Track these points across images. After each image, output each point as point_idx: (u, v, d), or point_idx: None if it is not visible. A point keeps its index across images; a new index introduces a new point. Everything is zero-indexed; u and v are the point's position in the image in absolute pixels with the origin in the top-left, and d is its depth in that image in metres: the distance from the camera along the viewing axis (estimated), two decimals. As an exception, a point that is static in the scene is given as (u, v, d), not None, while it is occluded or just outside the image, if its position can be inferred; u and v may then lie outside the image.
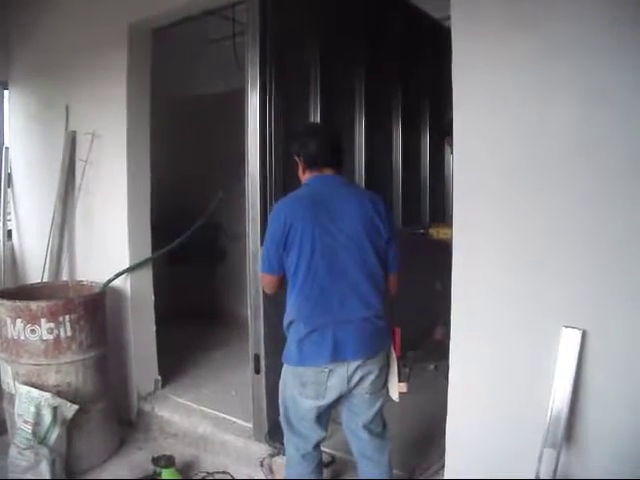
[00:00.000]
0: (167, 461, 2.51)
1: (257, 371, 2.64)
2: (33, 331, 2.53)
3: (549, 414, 1.70)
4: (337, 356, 1.82)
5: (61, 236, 3.40)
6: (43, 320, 2.53)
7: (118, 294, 3.10)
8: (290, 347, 1.89)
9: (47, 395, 2.46)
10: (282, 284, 1.95)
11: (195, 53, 4.37)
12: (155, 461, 2.53)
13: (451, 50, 1.87)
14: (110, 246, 3.18)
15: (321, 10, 2.92)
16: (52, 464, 2.42)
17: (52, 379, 2.56)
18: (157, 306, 3.27)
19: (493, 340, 1.88)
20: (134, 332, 3.15)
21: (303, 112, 2.89)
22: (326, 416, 1.97)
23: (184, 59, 4.36)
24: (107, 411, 2.80)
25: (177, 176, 4.52)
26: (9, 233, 3.89)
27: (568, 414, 1.68)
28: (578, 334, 1.67)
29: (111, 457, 2.79)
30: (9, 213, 3.88)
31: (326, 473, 2.30)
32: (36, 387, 2.50)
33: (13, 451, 2.43)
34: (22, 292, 2.90)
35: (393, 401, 2.00)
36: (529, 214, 1.78)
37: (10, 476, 2.41)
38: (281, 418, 2.01)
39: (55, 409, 2.45)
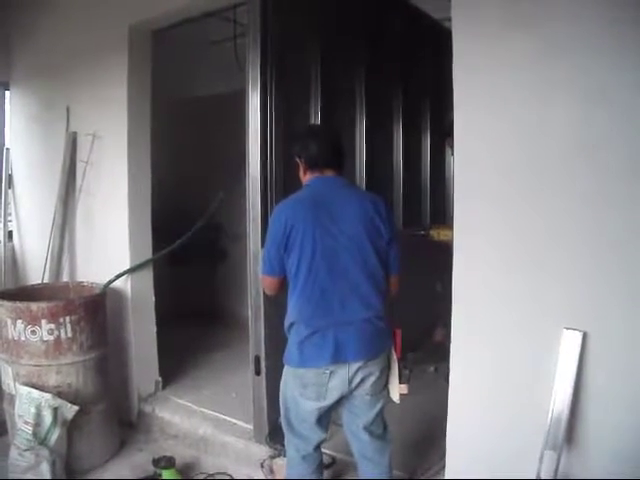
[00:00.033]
0: (167, 462, 2.51)
1: (258, 372, 2.63)
2: (34, 332, 2.53)
3: (550, 415, 1.69)
4: (338, 357, 1.82)
5: (62, 237, 3.40)
6: (44, 321, 2.53)
7: (119, 295, 3.10)
8: (291, 349, 1.89)
9: (48, 396, 2.46)
10: (283, 286, 1.94)
11: (196, 54, 4.37)
12: (155, 462, 2.53)
13: (451, 51, 1.87)
14: (111, 247, 3.18)
15: (321, 11, 2.92)
16: (52, 465, 2.42)
17: (53, 380, 2.56)
18: (158, 307, 3.27)
19: (494, 341, 1.87)
20: (135, 333, 3.14)
21: (304, 113, 2.89)
22: (327, 417, 1.97)
23: (185, 60, 4.36)
24: (108, 412, 2.80)
25: (178, 177, 4.52)
26: (10, 234, 3.90)
27: (569, 415, 1.67)
28: (579, 336, 1.66)
29: (112, 458, 2.79)
30: (10, 214, 3.88)
31: (327, 474, 2.30)
32: (36, 388, 2.50)
33: (13, 452, 2.43)
34: (23, 293, 2.90)
35: (394, 402, 2.00)
36: (529, 214, 1.78)
37: (10, 477, 2.41)
38: (282, 419, 2.01)
39: (55, 410, 2.45)
